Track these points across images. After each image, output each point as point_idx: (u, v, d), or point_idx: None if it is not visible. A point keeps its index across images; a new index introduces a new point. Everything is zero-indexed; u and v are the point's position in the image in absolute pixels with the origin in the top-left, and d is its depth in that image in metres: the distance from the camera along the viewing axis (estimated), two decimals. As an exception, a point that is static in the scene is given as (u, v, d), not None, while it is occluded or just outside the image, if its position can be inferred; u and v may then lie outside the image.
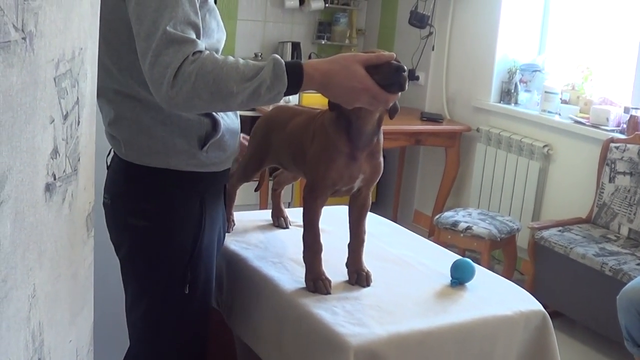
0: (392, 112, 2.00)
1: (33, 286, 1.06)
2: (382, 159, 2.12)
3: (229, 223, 2.49)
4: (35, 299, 1.07)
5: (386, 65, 1.83)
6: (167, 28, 1.70)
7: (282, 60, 1.76)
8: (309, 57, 6.35)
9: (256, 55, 6.09)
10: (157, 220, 1.99)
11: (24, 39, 0.94)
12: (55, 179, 1.14)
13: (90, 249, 1.43)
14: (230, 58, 1.76)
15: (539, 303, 2.19)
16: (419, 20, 5.73)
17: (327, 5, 6.31)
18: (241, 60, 1.76)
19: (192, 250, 2.02)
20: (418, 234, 2.70)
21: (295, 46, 6.24)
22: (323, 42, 6.45)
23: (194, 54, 1.72)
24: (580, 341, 4.20)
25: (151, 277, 2.04)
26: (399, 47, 6.28)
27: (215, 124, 1.98)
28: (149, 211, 1.98)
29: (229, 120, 2.06)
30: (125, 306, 2.14)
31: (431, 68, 5.97)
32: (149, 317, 2.08)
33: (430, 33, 5.83)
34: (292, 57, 6.14)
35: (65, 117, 1.17)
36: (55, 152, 1.13)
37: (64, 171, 1.19)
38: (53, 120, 1.11)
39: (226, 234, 2.40)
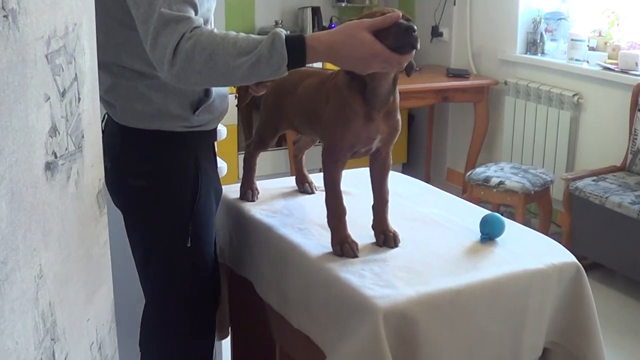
0: (409, 70, 1.95)
1: (39, 267, 1.05)
2: (399, 117, 2.09)
3: (252, 192, 2.50)
4: (42, 279, 1.05)
5: (394, 27, 1.79)
6: (162, 9, 1.76)
7: (283, 34, 1.78)
8: (330, 21, 6.28)
9: (277, 22, 6.04)
10: (157, 179, 2.10)
11: (5, 17, 0.91)
12: (56, 157, 1.13)
13: (103, 226, 1.42)
14: (232, 33, 1.80)
15: (571, 255, 2.14)
16: (438, -25, 5.66)
17: (345, -34, 6.24)
18: (241, 35, 1.80)
19: (192, 204, 2.12)
20: (452, 192, 2.67)
21: (316, 11, 6.16)
22: (343, 5, 6.38)
23: (191, 30, 1.76)
24: (620, 291, 4.15)
25: (155, 233, 2.15)
26: (420, 4, 6.21)
27: (207, 90, 2.08)
28: (148, 171, 2.09)
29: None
30: (136, 268, 2.23)
31: (454, 23, 5.88)
32: (158, 273, 2.18)
33: (451, -13, 5.76)
34: (313, 22, 6.09)
35: (63, 94, 1.15)
36: (54, 130, 1.11)
37: (67, 149, 1.17)
38: (49, 98, 1.08)
39: (250, 203, 2.46)
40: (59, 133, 1.13)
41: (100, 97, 2.01)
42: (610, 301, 3.95)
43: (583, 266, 2.13)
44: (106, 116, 2.16)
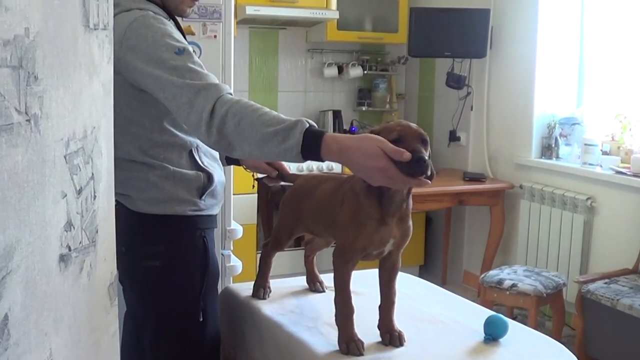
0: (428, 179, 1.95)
1: (49, 350, 1.12)
2: (411, 223, 2.13)
3: (264, 290, 2.57)
4: (52, 362, 1.13)
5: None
6: (187, 81, 2.01)
7: (307, 124, 1.90)
8: (351, 125, 6.43)
9: (298, 125, 6.16)
10: (171, 259, 2.28)
11: (28, 120, 1.01)
12: (70, 250, 1.21)
13: (113, 317, 1.50)
14: (265, 108, 1.97)
15: (573, 355, 2.16)
16: (455, 81, 5.81)
17: (365, 72, 6.42)
18: (273, 112, 1.97)
19: (202, 281, 2.32)
20: (468, 294, 2.70)
21: (337, 114, 6.32)
22: (364, 109, 6.54)
23: (223, 96, 1.99)
24: (635, 395, 4.10)
25: (169, 310, 2.31)
26: (439, 108, 6.35)
27: (209, 177, 2.30)
28: (162, 252, 2.27)
29: (219, 173, 2.38)
30: (145, 353, 2.37)
31: (471, 128, 6.00)
32: (170, 350, 2.33)
33: (468, 93, 5.90)
34: (334, 125, 6.23)
35: (80, 192, 1.25)
36: (69, 224, 1.20)
37: (80, 243, 1.26)
38: (65, 195, 1.18)
39: (262, 301, 2.53)
40: (74, 228, 1.22)
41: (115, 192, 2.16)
42: (625, 406, 3.92)
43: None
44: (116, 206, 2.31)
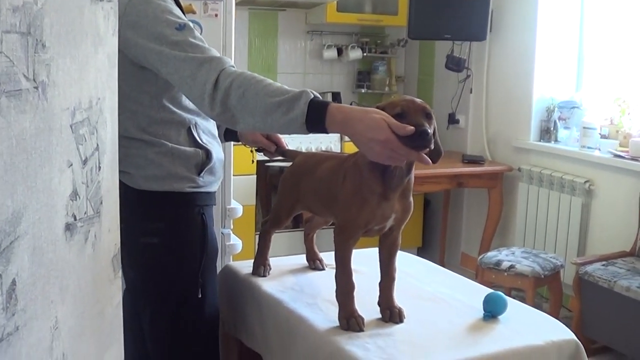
0: (435, 156, 1.99)
1: (55, 318, 1.13)
2: (412, 199, 2.14)
3: (264, 267, 2.59)
4: (57, 330, 1.14)
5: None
6: (190, 55, 2.01)
7: (312, 94, 1.89)
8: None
9: (297, 106, 6.17)
10: (169, 235, 2.28)
11: (35, 87, 1.02)
12: (75, 219, 1.22)
13: (117, 288, 1.51)
14: (268, 79, 1.96)
15: (571, 332, 2.19)
16: (455, 64, 5.81)
17: (365, 54, 6.41)
18: (277, 83, 1.96)
19: (201, 257, 2.32)
20: (465, 276, 2.71)
21: (336, 96, 6.32)
22: (363, 91, 6.53)
23: (226, 69, 1.99)
24: (631, 375, 4.13)
25: (167, 287, 2.32)
26: (438, 91, 6.35)
27: (208, 154, 2.31)
28: (160, 229, 2.27)
29: (217, 150, 2.38)
30: (144, 331, 2.38)
31: (470, 110, 6.00)
32: (168, 328, 2.34)
33: (468, 76, 5.90)
34: (333, 107, 6.19)
35: (85, 162, 1.26)
36: (75, 194, 1.21)
37: (85, 213, 1.27)
38: (71, 165, 1.19)
39: (262, 278, 2.54)
40: (79, 197, 1.23)
41: None
42: (622, 385, 3.95)
43: (593, 350, 2.15)
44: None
